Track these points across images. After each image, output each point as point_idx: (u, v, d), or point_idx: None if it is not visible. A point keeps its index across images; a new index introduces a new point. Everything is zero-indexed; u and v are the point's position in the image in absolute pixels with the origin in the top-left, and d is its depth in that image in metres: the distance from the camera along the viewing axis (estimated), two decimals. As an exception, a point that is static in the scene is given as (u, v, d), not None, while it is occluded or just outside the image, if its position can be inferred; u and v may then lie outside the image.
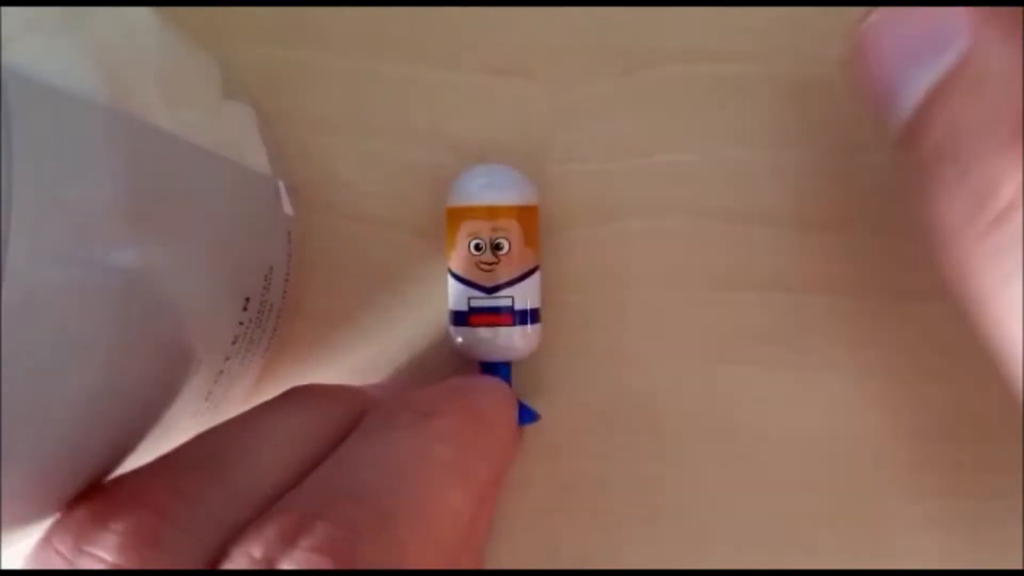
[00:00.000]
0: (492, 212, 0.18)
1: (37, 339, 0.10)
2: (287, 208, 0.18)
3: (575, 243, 0.20)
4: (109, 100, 0.12)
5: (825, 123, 0.19)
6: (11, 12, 0.10)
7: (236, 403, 0.19)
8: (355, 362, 0.20)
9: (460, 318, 0.18)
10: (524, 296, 0.18)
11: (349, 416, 0.15)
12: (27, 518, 0.13)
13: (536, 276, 0.18)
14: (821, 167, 0.19)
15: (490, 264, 0.18)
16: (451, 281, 0.18)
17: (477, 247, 0.18)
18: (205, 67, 0.16)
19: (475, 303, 0.18)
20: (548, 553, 0.20)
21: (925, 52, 0.12)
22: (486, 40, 0.20)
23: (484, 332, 0.18)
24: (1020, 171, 0.11)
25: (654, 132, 0.20)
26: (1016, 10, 0.13)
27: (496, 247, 0.18)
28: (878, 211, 0.19)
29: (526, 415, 0.19)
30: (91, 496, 0.12)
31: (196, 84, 0.15)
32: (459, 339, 0.18)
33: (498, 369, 0.19)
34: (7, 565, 0.20)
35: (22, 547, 0.14)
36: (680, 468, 0.20)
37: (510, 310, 0.18)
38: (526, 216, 0.18)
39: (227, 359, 0.16)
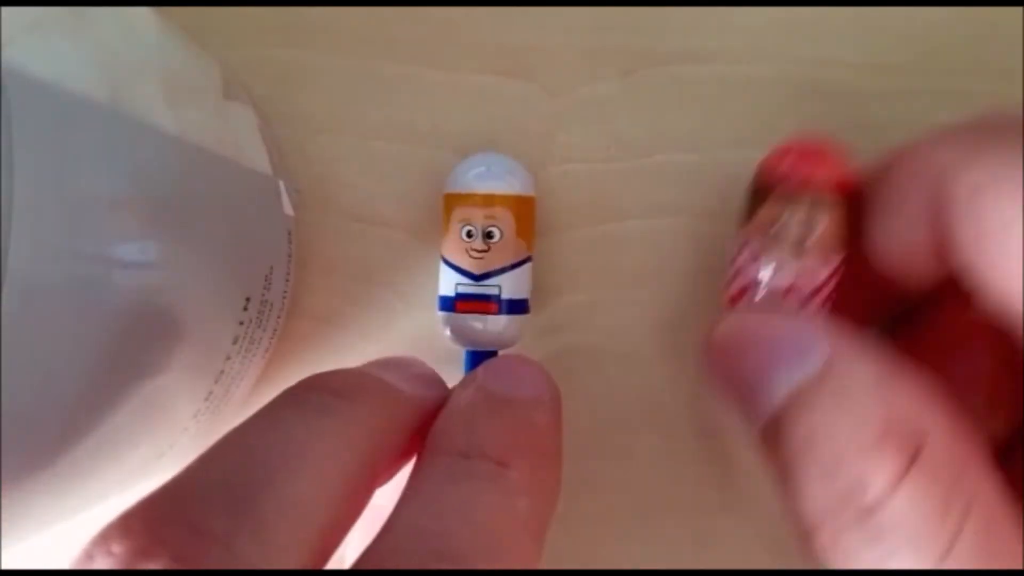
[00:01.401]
0: (485, 200, 0.18)
1: (37, 338, 0.10)
2: (287, 208, 0.18)
3: (575, 243, 0.20)
4: (109, 100, 0.12)
5: (825, 123, 0.19)
6: (11, 12, 0.10)
7: (236, 403, 0.19)
8: (355, 362, 0.20)
9: (447, 303, 0.18)
10: (512, 286, 0.18)
11: (384, 424, 0.15)
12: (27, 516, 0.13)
13: (526, 268, 0.18)
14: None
15: (480, 251, 0.18)
16: (442, 266, 0.18)
17: (469, 234, 0.18)
18: (205, 67, 0.16)
19: (462, 289, 0.18)
20: (548, 553, 0.20)
21: (787, 358, 0.14)
22: (486, 40, 0.20)
23: (469, 320, 0.18)
24: (885, 472, 0.12)
25: (654, 132, 0.20)
26: (859, 331, 0.14)
27: (488, 235, 0.18)
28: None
29: None
30: (112, 534, 0.11)
31: (196, 84, 0.15)
32: (445, 324, 0.18)
33: (484, 357, 0.19)
34: (7, 565, 0.20)
35: (22, 547, 0.14)
36: (680, 467, 0.20)
37: (497, 298, 0.18)
38: (520, 206, 0.18)
39: (227, 359, 0.16)
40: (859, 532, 0.12)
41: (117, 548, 0.10)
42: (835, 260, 0.16)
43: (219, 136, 0.15)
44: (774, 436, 0.14)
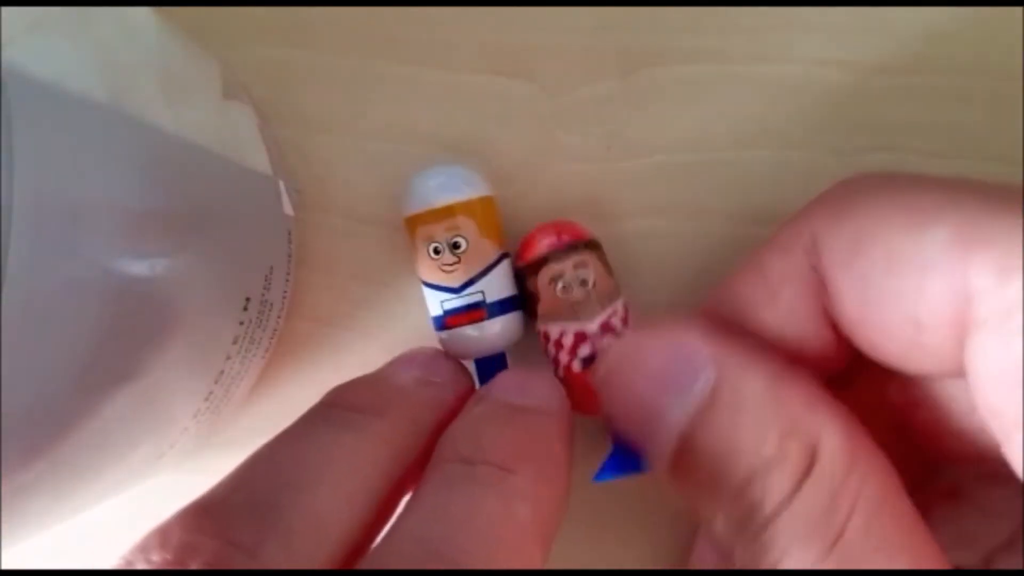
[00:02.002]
0: (441, 213, 0.18)
1: (37, 338, 0.10)
2: (287, 208, 0.18)
3: (575, 243, 0.20)
4: (109, 100, 0.12)
5: (825, 123, 0.19)
6: (11, 12, 0.10)
7: (236, 403, 0.19)
8: (355, 362, 0.20)
9: (439, 322, 0.18)
10: (495, 287, 0.18)
11: (407, 435, 0.15)
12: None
13: (503, 265, 0.18)
14: (821, 167, 0.19)
15: (452, 264, 0.18)
16: (424, 289, 0.18)
17: (436, 251, 0.18)
18: (205, 67, 0.16)
19: (447, 305, 0.18)
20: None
21: (677, 383, 0.13)
22: (486, 40, 0.20)
23: (465, 331, 0.18)
24: (787, 475, 0.12)
25: (654, 132, 0.20)
26: (747, 336, 0.14)
27: (454, 246, 0.18)
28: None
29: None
30: (150, 544, 0.12)
31: (196, 84, 0.15)
32: (445, 342, 0.18)
33: (493, 362, 0.19)
34: (7, 565, 0.20)
35: (22, 547, 0.14)
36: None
37: (482, 304, 0.18)
38: (477, 208, 0.18)
39: (227, 359, 0.16)
40: (756, 545, 0.12)
41: (155, 557, 0.11)
42: (617, 296, 0.18)
43: (219, 136, 0.15)
44: (683, 467, 0.13)
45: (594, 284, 0.17)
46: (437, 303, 0.18)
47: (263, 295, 0.17)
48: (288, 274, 0.19)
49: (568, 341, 0.17)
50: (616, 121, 0.20)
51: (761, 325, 0.14)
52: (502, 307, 0.18)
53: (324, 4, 0.20)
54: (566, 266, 0.17)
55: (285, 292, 0.19)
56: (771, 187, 0.19)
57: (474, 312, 0.18)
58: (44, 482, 0.12)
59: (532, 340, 0.20)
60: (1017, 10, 0.19)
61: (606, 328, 0.17)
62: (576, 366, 0.17)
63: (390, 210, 0.20)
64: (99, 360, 0.12)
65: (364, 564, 0.12)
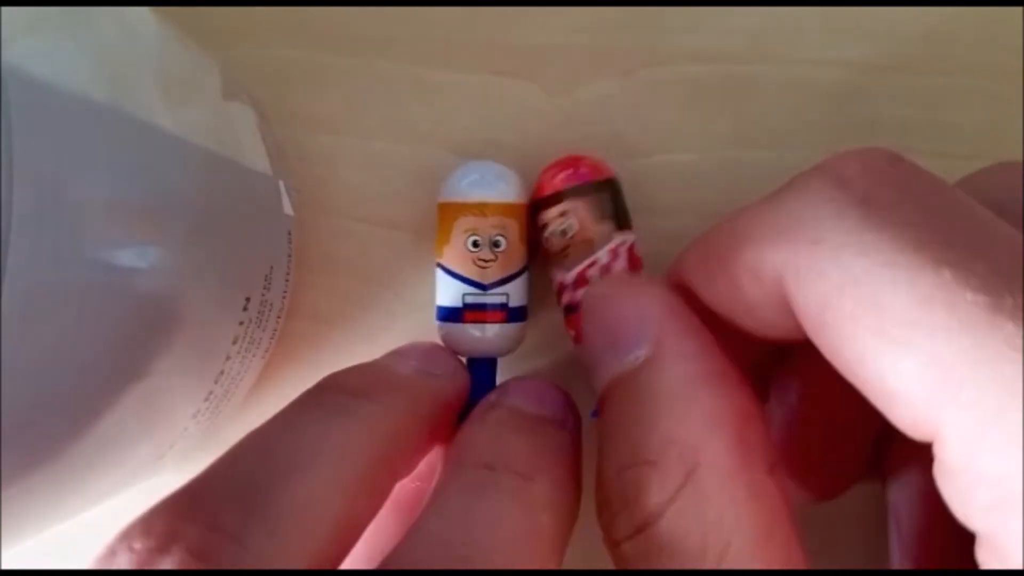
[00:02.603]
0: (491, 209, 0.18)
1: (36, 338, 0.10)
2: (287, 208, 0.18)
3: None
4: (109, 100, 0.12)
5: (825, 123, 0.19)
6: (11, 12, 0.10)
7: (236, 403, 0.19)
8: (355, 362, 0.20)
9: (453, 314, 0.18)
10: (517, 293, 0.18)
11: (401, 420, 0.15)
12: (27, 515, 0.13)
13: (527, 275, 0.18)
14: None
15: (487, 261, 0.18)
16: (442, 276, 0.18)
17: (475, 243, 0.18)
18: (205, 67, 0.16)
19: (469, 299, 0.18)
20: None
21: (616, 344, 0.14)
22: (486, 40, 0.20)
23: (473, 329, 0.18)
24: (658, 487, 0.12)
25: (654, 132, 0.20)
26: (707, 319, 0.14)
27: (495, 244, 0.18)
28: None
29: None
30: (133, 532, 0.11)
31: (196, 84, 0.15)
32: (447, 335, 0.18)
33: (485, 364, 0.19)
34: (7, 565, 0.20)
35: (22, 547, 0.14)
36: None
37: (504, 307, 0.18)
38: (522, 214, 0.18)
39: (227, 359, 0.16)
40: (632, 544, 0.12)
41: (138, 544, 0.11)
42: (613, 240, 0.18)
43: (219, 136, 0.15)
44: (600, 420, 0.14)
45: (574, 236, 0.17)
46: (458, 294, 0.18)
47: (263, 295, 0.17)
48: (288, 274, 0.19)
49: (554, 287, 0.18)
50: (616, 121, 0.20)
51: (718, 305, 0.14)
52: (518, 315, 0.18)
53: (324, 4, 0.20)
54: (551, 215, 0.18)
55: (285, 292, 0.19)
56: (771, 187, 0.19)
57: (496, 312, 0.18)
58: (44, 482, 0.12)
59: (524, 354, 0.20)
60: (1017, 10, 0.19)
61: (581, 280, 0.18)
62: (563, 311, 0.18)
63: (390, 210, 0.20)
64: (99, 360, 0.12)
65: (388, 564, 0.12)
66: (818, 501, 0.17)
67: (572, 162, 0.18)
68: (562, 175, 0.18)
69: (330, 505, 0.12)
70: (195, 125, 0.14)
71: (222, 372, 0.16)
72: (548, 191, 0.18)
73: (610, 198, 0.18)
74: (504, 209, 0.18)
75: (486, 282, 0.18)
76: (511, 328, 0.18)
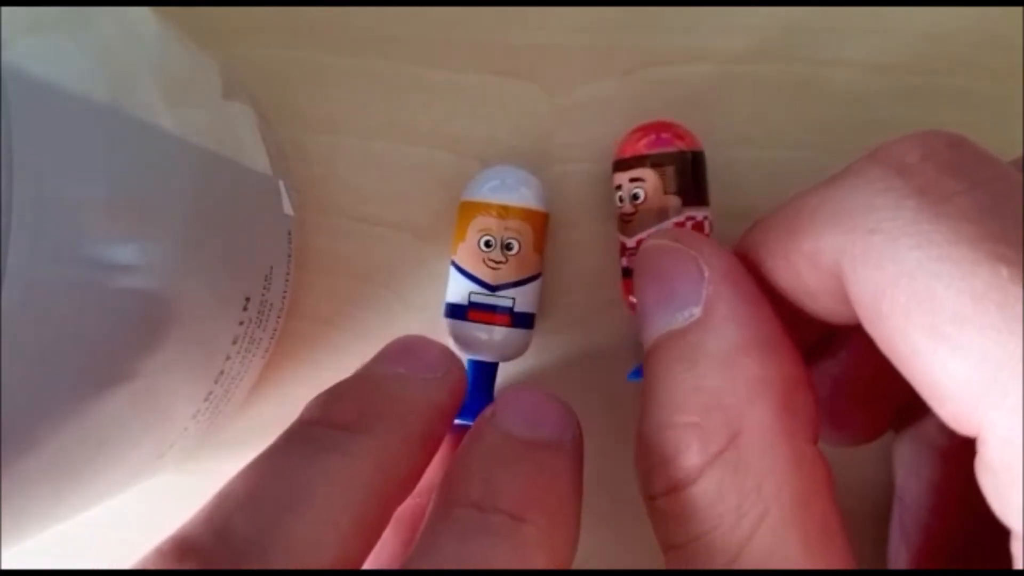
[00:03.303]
0: (507, 212, 0.18)
1: (36, 338, 0.10)
2: (287, 208, 0.18)
3: (575, 243, 0.20)
4: (109, 100, 0.12)
5: (825, 123, 0.19)
6: (11, 12, 0.10)
7: (236, 403, 0.19)
8: (354, 362, 0.20)
9: (458, 311, 0.18)
10: (524, 300, 0.18)
11: (395, 451, 0.14)
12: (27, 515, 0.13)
13: (537, 283, 0.18)
14: (821, 167, 0.19)
15: (498, 263, 0.18)
16: (453, 273, 0.18)
17: (487, 244, 0.18)
18: (205, 67, 0.16)
19: (476, 298, 0.18)
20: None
21: (669, 300, 0.14)
22: (486, 40, 0.20)
23: (479, 330, 0.18)
24: (694, 453, 0.12)
25: (654, 132, 0.19)
26: (765, 289, 0.13)
27: (507, 247, 0.18)
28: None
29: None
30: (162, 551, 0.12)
31: (196, 84, 0.15)
32: (452, 332, 0.18)
33: (484, 368, 0.19)
34: (7, 565, 0.20)
35: (22, 547, 0.14)
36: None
37: (509, 311, 0.18)
38: (538, 221, 0.18)
39: (227, 359, 0.16)
40: (667, 501, 0.12)
41: None
42: (680, 214, 0.17)
43: (219, 136, 0.15)
44: (644, 371, 0.14)
45: (643, 202, 0.17)
46: (465, 292, 0.18)
47: (263, 295, 0.17)
48: (288, 274, 0.19)
49: (619, 248, 0.18)
50: (616, 121, 0.20)
51: (779, 287, 0.14)
52: (523, 321, 0.18)
53: (324, 4, 0.20)
54: (626, 178, 0.18)
55: (285, 292, 0.19)
56: (771, 187, 0.19)
57: (500, 315, 0.18)
58: (44, 482, 0.12)
59: (527, 355, 0.20)
60: (1017, 10, 0.19)
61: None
62: (621, 273, 0.18)
63: (390, 210, 0.20)
64: (99, 360, 0.12)
65: None
66: (839, 446, 0.18)
67: (656, 128, 0.18)
68: (645, 140, 0.18)
69: (325, 548, 0.12)
70: (195, 125, 0.14)
71: (222, 372, 0.16)
72: (628, 153, 0.18)
73: (687, 171, 0.17)
74: (522, 214, 0.18)
75: (494, 283, 0.18)
76: (515, 333, 0.18)
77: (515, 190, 0.18)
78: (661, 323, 0.13)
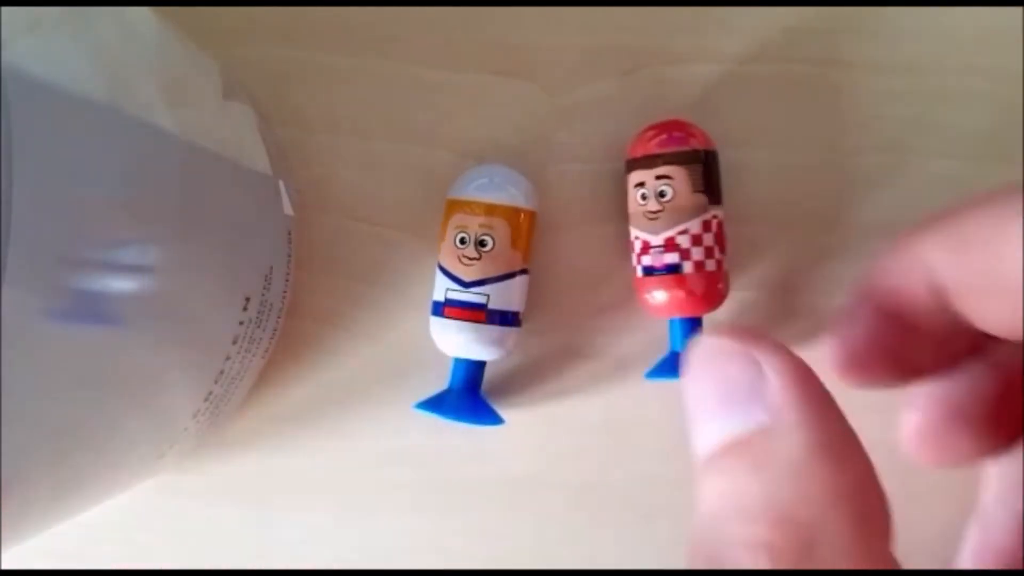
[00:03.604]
0: (481, 209, 0.18)
1: (36, 338, 0.10)
2: (287, 208, 0.18)
3: (575, 243, 0.20)
4: (109, 100, 0.12)
5: (825, 123, 0.19)
6: (11, 12, 0.10)
7: (236, 403, 0.19)
8: (355, 362, 0.20)
9: (436, 308, 0.18)
10: (502, 297, 0.18)
11: None
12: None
13: (519, 280, 0.18)
14: (821, 167, 0.19)
15: (471, 259, 0.18)
16: (437, 271, 0.18)
17: (462, 240, 0.18)
18: (205, 67, 0.16)
19: (451, 295, 0.18)
20: (548, 553, 0.20)
21: (730, 404, 0.13)
22: (486, 40, 0.20)
23: (456, 327, 0.18)
24: (770, 563, 0.11)
25: (654, 132, 0.19)
26: (817, 384, 0.13)
27: (480, 243, 0.18)
28: (876, 211, 0.19)
29: (490, 418, 0.18)
30: None
31: (196, 84, 0.15)
32: (432, 330, 0.18)
33: (470, 365, 0.19)
34: (7, 565, 0.20)
35: (22, 547, 0.14)
36: (679, 467, 0.20)
37: (484, 308, 0.18)
38: (517, 218, 0.18)
39: (227, 359, 0.16)
40: None
41: None
42: (706, 212, 0.18)
43: (219, 136, 0.15)
44: (702, 483, 0.13)
45: (670, 200, 0.18)
46: (443, 289, 0.18)
47: (263, 295, 0.17)
48: (288, 274, 0.19)
49: (638, 247, 0.18)
50: (616, 121, 0.20)
51: (960, 282, 0.13)
52: (502, 319, 0.18)
53: (324, 4, 0.20)
54: (650, 175, 0.18)
55: (285, 292, 0.19)
56: (771, 187, 0.19)
57: (474, 312, 0.18)
58: (44, 482, 0.12)
59: (519, 356, 0.20)
60: (1017, 10, 0.19)
61: (670, 245, 0.18)
62: (639, 272, 0.18)
63: (390, 210, 0.20)
64: (98, 359, 0.12)
65: None
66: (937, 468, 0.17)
67: (667, 127, 0.18)
68: (656, 139, 0.18)
69: None
70: (195, 125, 0.14)
71: (222, 372, 0.16)
72: (640, 152, 0.18)
73: (707, 170, 0.18)
74: (500, 211, 0.18)
75: (467, 279, 0.18)
76: (491, 331, 0.18)
77: (501, 188, 0.18)
78: (720, 428, 0.13)
